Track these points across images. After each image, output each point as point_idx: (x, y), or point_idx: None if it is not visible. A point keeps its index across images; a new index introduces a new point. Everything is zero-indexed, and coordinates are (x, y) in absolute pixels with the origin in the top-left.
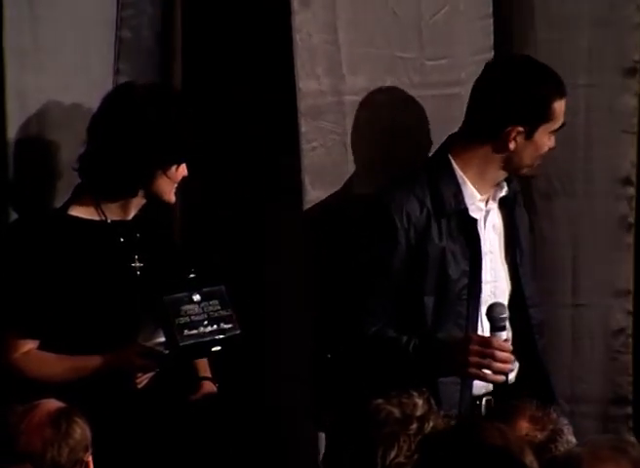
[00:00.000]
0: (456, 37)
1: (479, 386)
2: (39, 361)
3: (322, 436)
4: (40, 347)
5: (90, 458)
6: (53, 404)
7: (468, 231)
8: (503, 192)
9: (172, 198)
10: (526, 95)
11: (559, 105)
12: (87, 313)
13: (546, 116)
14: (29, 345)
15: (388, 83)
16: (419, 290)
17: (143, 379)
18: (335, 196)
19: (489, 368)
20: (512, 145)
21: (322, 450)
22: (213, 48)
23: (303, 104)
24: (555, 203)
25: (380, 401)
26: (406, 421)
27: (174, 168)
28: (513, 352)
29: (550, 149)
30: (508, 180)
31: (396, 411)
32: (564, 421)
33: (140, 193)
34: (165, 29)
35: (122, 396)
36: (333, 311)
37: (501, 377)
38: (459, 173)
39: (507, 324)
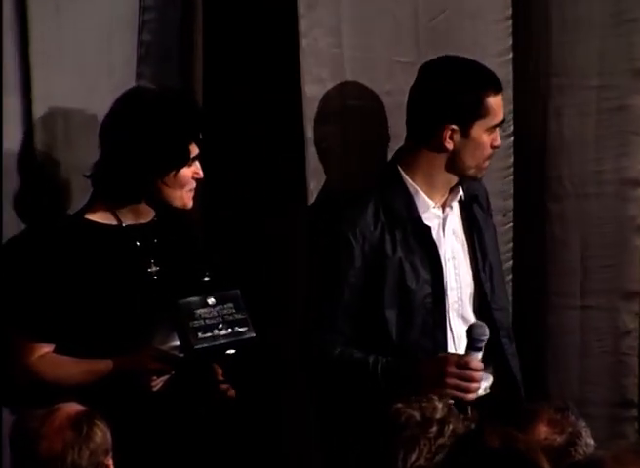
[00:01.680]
0: (458, 42)
1: None
2: (55, 364)
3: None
4: (56, 351)
5: (110, 462)
6: (73, 407)
7: (424, 239)
8: (458, 197)
9: (185, 203)
10: (456, 92)
11: (493, 101)
12: (102, 317)
13: (479, 112)
14: (45, 349)
15: (388, 88)
16: (379, 304)
17: (158, 382)
18: (337, 199)
19: (467, 389)
20: (450, 145)
21: None
22: (229, 52)
23: (309, 109)
24: (565, 204)
25: (400, 405)
26: (426, 424)
27: (171, 174)
28: (484, 358)
29: (494, 148)
30: (463, 184)
31: (416, 415)
32: (582, 424)
33: (148, 198)
34: (186, 33)
35: (137, 399)
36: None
37: (474, 396)
38: (409, 182)
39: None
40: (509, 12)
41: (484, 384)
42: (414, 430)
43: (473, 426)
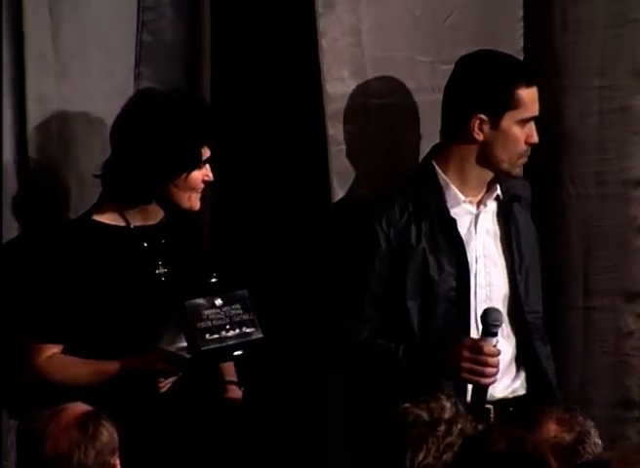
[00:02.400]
0: (469, 41)
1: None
2: (63, 365)
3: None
4: (64, 351)
5: (117, 461)
6: (80, 407)
7: (449, 232)
8: (494, 195)
9: (192, 205)
10: (487, 81)
11: (526, 93)
12: (109, 317)
13: (509, 103)
14: (53, 349)
15: (409, 86)
16: (401, 294)
17: (166, 384)
18: (360, 198)
19: (481, 374)
20: (479, 136)
21: None
22: (239, 52)
23: (330, 108)
24: (567, 205)
25: (407, 404)
26: (434, 424)
27: (183, 176)
28: (516, 360)
29: (530, 144)
30: (502, 183)
31: (424, 415)
32: (590, 423)
33: (158, 200)
34: (187, 33)
35: (144, 400)
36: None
37: (491, 380)
38: (441, 176)
39: (499, 330)
40: (521, 13)
41: (513, 385)
42: (421, 429)
43: (481, 427)
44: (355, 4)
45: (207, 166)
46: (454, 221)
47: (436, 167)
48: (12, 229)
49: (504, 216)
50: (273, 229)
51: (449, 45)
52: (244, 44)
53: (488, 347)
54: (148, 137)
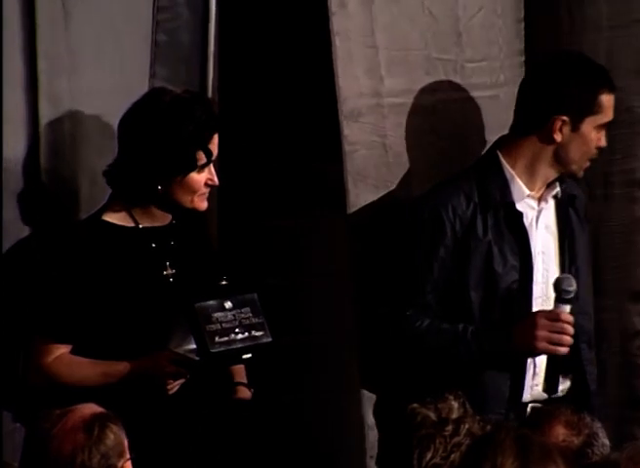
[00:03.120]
0: (492, 39)
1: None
2: (71, 365)
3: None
4: (72, 352)
5: (127, 464)
6: (90, 409)
7: (515, 225)
8: (554, 192)
9: (195, 206)
10: (572, 85)
11: (607, 99)
12: (118, 318)
13: (592, 108)
14: (62, 350)
15: (426, 85)
16: (464, 284)
17: (174, 386)
18: (376, 197)
19: (559, 342)
20: (558, 137)
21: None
22: (250, 51)
23: (345, 107)
24: None
25: (415, 405)
26: (442, 424)
27: (179, 179)
28: (565, 362)
29: (598, 148)
30: (561, 184)
31: (432, 415)
32: (598, 425)
33: (163, 200)
34: (201, 33)
35: (153, 402)
36: (380, 309)
37: (566, 350)
38: (507, 168)
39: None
40: (522, 14)
41: (560, 387)
42: (429, 429)
43: (488, 427)
44: (369, 3)
45: (210, 169)
46: (520, 215)
47: (502, 159)
48: (23, 228)
49: (561, 215)
50: (286, 231)
51: (470, 43)
52: (258, 44)
53: (564, 314)
54: (146, 139)
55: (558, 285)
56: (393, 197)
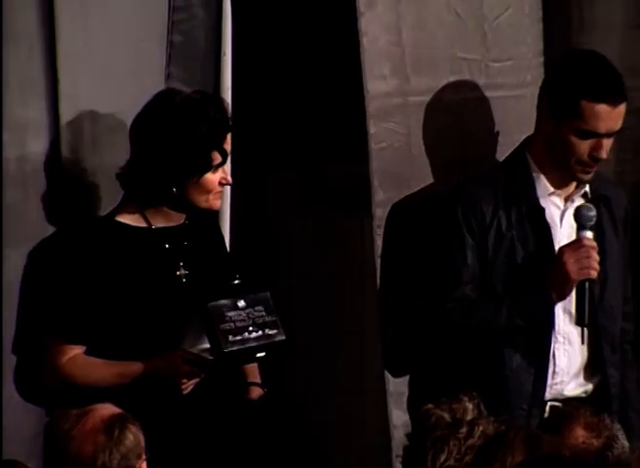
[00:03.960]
0: (520, 39)
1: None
2: (86, 365)
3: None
4: (87, 353)
5: (143, 464)
6: (107, 409)
7: (538, 220)
8: (581, 192)
9: (210, 205)
10: (559, 85)
11: (589, 107)
12: (132, 319)
13: (569, 111)
14: (76, 350)
15: (451, 84)
16: (489, 278)
17: (189, 385)
18: (401, 195)
19: (588, 265)
20: (545, 135)
21: None
22: (283, 52)
23: (372, 106)
24: None
25: (430, 406)
26: (456, 425)
27: (195, 179)
28: (588, 363)
29: (594, 158)
30: (593, 182)
31: (446, 416)
32: (617, 426)
33: (177, 200)
34: (216, 33)
35: (167, 402)
36: (417, 301)
37: (595, 272)
38: (533, 167)
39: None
40: (541, 14)
41: (586, 387)
42: (443, 431)
43: (503, 428)
44: (396, 3)
45: (224, 168)
46: (542, 210)
47: (528, 156)
48: (40, 228)
49: None
50: (300, 231)
51: (496, 42)
52: (287, 44)
53: (585, 239)
54: (160, 140)
55: (578, 213)
56: (417, 195)
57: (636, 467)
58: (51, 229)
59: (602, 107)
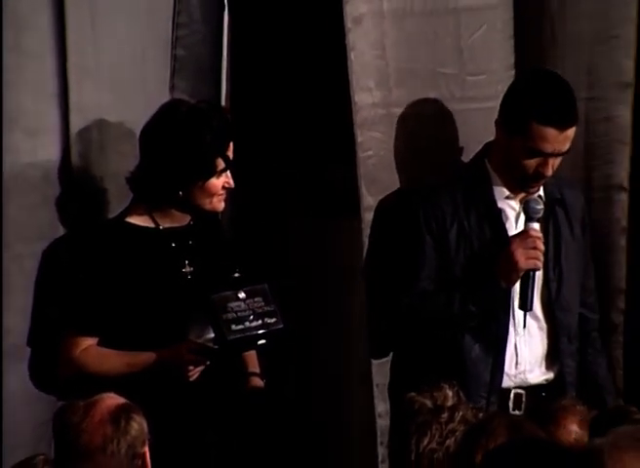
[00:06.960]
0: (492, 54)
1: (508, 378)
2: (99, 356)
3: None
4: (99, 345)
5: (146, 449)
6: (111, 400)
7: (495, 222)
8: (535, 196)
9: (214, 207)
10: (511, 102)
11: (538, 129)
12: (141, 312)
13: (519, 129)
14: (89, 342)
15: (431, 96)
16: (450, 276)
17: (195, 373)
18: (386, 199)
19: (534, 256)
20: (499, 146)
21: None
22: (261, 63)
23: (359, 116)
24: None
25: (413, 393)
26: (438, 411)
27: (199, 184)
28: (550, 354)
29: (538, 174)
30: (547, 187)
31: (428, 403)
32: None
33: (183, 203)
34: (217, 48)
35: (175, 387)
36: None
37: (541, 263)
38: (491, 172)
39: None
40: (512, 30)
41: (547, 375)
42: (426, 416)
43: (481, 415)
44: (381, 21)
45: (227, 173)
46: (499, 212)
47: (487, 162)
48: (54, 229)
49: (544, 216)
50: (297, 229)
51: (472, 58)
52: (282, 59)
53: (532, 230)
54: (168, 148)
55: (526, 205)
56: (400, 199)
57: (609, 452)
58: (62, 230)
59: (550, 131)
